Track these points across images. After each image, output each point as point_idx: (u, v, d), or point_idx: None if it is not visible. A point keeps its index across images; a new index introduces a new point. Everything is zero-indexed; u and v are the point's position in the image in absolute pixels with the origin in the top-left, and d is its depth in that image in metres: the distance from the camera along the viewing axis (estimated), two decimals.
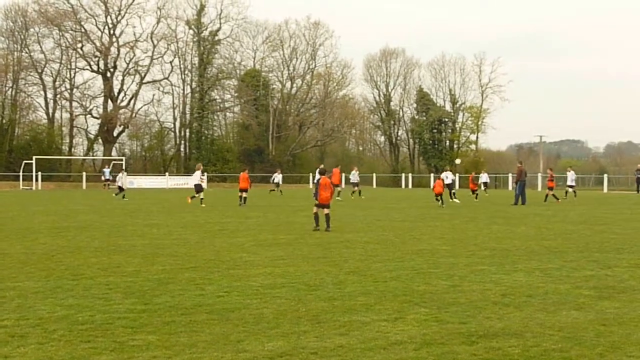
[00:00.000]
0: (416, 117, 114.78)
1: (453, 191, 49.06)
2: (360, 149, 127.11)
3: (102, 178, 79.33)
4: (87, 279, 14.34)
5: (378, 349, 9.13)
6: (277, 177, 64.91)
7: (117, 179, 54.07)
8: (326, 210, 26.13)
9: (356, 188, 56.76)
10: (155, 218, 31.97)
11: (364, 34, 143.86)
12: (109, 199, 52.67)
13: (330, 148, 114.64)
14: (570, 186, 56.51)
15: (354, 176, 57.48)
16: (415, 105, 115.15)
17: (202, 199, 42.48)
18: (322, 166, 29.33)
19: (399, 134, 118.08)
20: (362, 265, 16.49)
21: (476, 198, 52.23)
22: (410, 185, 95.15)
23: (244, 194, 42.98)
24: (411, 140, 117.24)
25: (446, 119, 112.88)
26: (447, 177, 48.72)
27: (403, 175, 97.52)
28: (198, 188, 43.37)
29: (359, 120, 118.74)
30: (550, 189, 50.43)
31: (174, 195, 62.70)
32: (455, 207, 43.56)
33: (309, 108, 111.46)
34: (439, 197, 43.17)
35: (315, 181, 28.24)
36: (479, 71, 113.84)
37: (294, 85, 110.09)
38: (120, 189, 52.39)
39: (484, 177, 67.59)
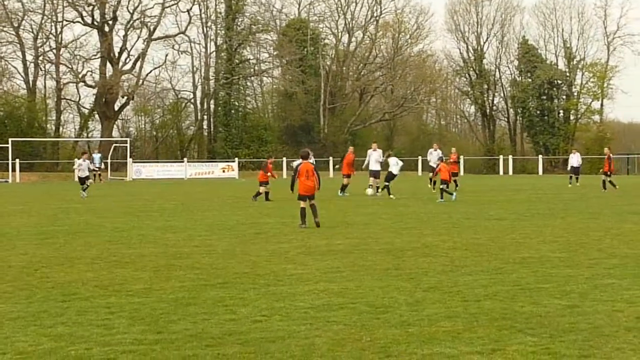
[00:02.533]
0: (518, 79, 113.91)
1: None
2: (443, 122, 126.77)
3: (90, 167, 78.73)
4: (82, 300, 14.47)
5: None
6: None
7: (76, 166, 51.16)
8: (312, 201, 28.10)
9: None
10: (171, 219, 32.10)
11: None
12: (107, 194, 53.08)
13: (402, 122, 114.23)
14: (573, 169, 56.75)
15: (433, 156, 53.04)
16: (517, 63, 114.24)
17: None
18: (305, 149, 31.20)
19: (495, 102, 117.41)
20: (446, 279, 16.44)
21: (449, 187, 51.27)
22: (510, 171, 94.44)
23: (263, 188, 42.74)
24: (512, 111, 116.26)
25: (559, 81, 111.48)
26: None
27: (501, 157, 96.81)
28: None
29: (440, 85, 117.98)
30: (606, 174, 51.95)
31: (197, 188, 63.01)
32: (563, 201, 43.30)
33: (373, 70, 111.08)
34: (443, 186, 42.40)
35: (294, 168, 29.81)
36: (604, 15, 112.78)
37: (353, 39, 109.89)
38: (83, 180, 48.45)
39: (574, 160, 61.73)
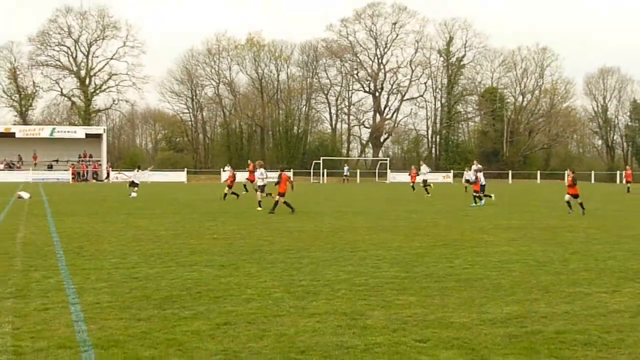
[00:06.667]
0: (629, 124, 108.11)
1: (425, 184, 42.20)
2: (581, 150, 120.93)
3: (344, 174, 78.76)
4: (362, 252, 14.65)
5: (598, 316, 8.72)
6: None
7: (132, 175, 40.21)
8: (284, 198, 25.71)
9: (428, 184, 43.06)
10: (413, 206, 31.98)
11: (584, 55, 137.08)
12: (369, 190, 53.28)
13: (555, 150, 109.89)
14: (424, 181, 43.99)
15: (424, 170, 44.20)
16: (628, 114, 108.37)
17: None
18: (282, 165, 29.49)
19: (614, 138, 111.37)
20: (583, 247, 15.75)
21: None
22: (624, 181, 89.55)
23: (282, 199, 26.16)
24: (625, 144, 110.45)
25: None
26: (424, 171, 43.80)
27: (618, 172, 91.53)
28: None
29: (579, 127, 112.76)
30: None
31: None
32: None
33: (537, 117, 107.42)
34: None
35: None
36: None
37: (525, 99, 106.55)
38: (134, 184, 38.86)
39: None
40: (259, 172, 29.05)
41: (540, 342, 7.46)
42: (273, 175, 31.40)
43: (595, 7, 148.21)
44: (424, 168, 44.12)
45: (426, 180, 42.98)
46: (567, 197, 26.21)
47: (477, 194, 31.85)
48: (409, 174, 45.14)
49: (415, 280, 11.08)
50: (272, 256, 13.78)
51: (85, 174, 74.37)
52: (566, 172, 27.63)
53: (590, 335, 7.75)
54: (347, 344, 7.33)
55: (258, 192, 28.61)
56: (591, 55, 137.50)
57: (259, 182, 28.78)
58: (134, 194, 36.79)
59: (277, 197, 25.85)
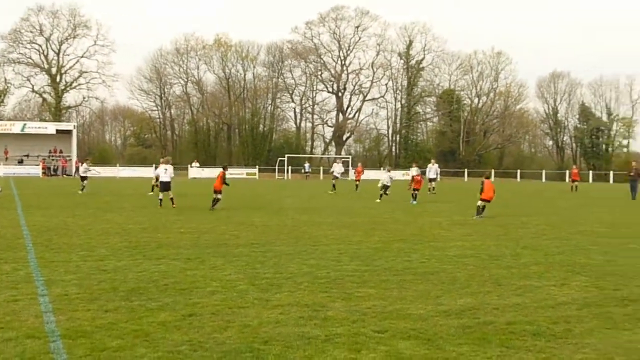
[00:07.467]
0: (578, 126, 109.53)
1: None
2: (533, 150, 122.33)
3: (303, 171, 79.12)
4: (324, 246, 14.65)
5: (547, 307, 8.84)
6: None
7: (82, 170, 38.27)
8: (218, 195, 24.65)
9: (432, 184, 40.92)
10: (371, 203, 32.06)
11: (537, 59, 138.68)
12: (324, 187, 53.34)
13: (508, 150, 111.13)
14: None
15: (431, 171, 42.71)
16: (577, 116, 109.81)
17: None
18: (225, 164, 27.45)
19: (564, 139, 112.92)
20: (534, 242, 15.94)
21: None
22: (570, 180, 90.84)
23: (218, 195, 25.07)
24: (574, 144, 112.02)
25: (603, 128, 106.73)
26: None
27: (567, 171, 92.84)
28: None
29: (531, 128, 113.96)
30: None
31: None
32: (611, 198, 41.14)
33: (491, 118, 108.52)
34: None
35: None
36: (630, 89, 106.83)
37: (480, 101, 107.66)
38: (83, 179, 37.09)
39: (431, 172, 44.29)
40: (162, 169, 26.53)
41: (492, 333, 7.54)
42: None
43: (547, 14, 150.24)
44: (336, 166, 45.39)
45: (337, 177, 43.76)
46: (480, 202, 23.04)
47: (416, 191, 31.78)
48: (354, 172, 44.67)
49: (375, 274, 11.11)
50: (237, 250, 13.72)
51: (65, 169, 73.20)
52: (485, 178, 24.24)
53: (539, 326, 7.85)
54: (308, 334, 7.33)
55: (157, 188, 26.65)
56: (543, 59, 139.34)
57: (163, 179, 26.15)
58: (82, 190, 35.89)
59: (215, 194, 24.80)
